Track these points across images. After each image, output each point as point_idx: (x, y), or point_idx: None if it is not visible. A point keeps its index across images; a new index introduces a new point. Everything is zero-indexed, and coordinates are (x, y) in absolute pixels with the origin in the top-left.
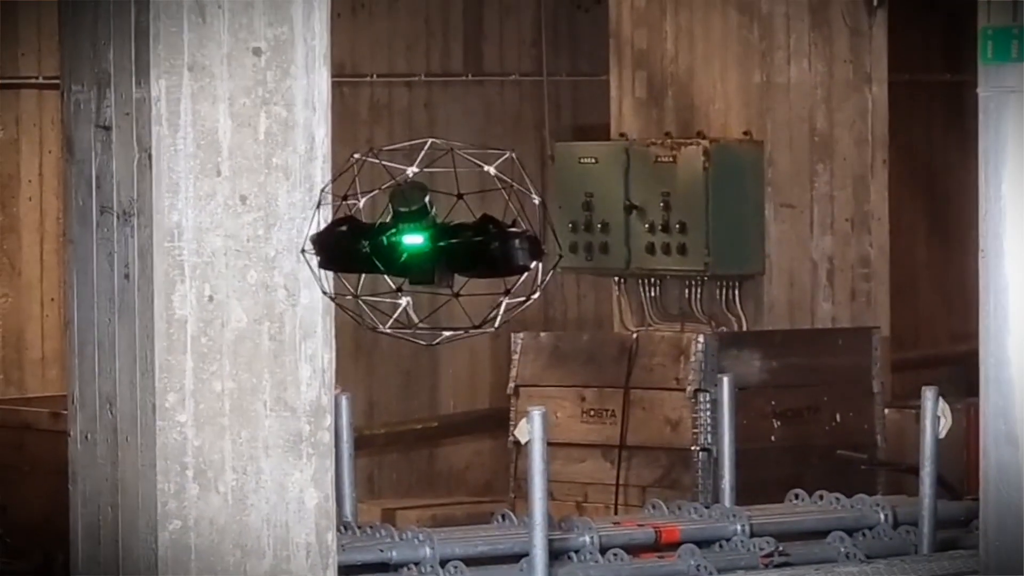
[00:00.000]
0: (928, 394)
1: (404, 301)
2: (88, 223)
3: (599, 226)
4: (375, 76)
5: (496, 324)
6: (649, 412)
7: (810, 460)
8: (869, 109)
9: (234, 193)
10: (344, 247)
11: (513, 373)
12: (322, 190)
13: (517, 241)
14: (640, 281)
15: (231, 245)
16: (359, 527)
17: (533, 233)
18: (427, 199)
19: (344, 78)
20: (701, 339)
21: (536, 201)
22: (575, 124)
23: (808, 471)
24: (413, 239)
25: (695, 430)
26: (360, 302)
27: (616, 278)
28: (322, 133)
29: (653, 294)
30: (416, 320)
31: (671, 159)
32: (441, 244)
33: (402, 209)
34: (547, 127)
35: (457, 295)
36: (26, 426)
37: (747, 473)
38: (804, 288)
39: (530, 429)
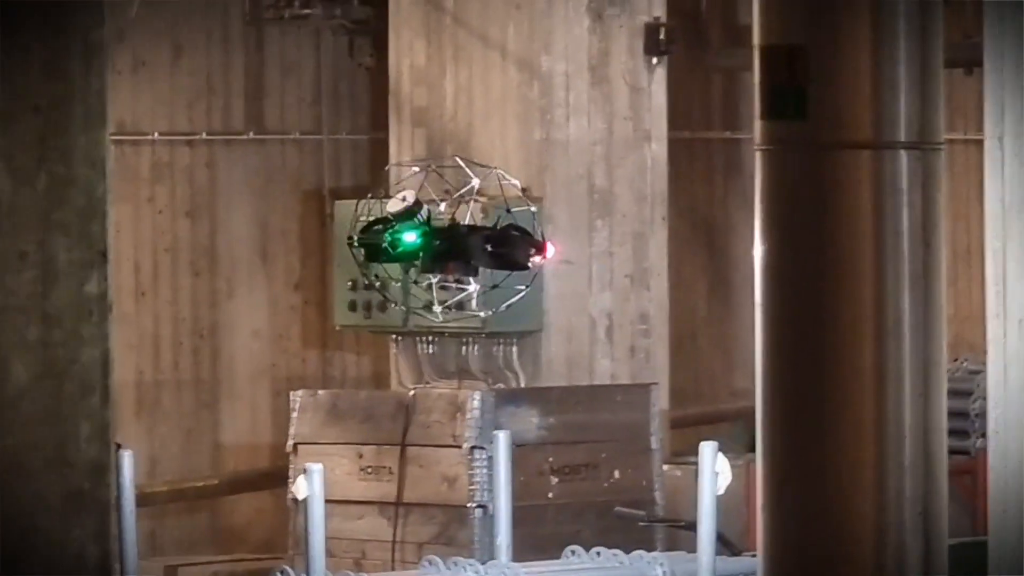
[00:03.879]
0: (706, 450)
1: (472, 287)
2: None
3: (378, 284)
4: (156, 135)
5: (502, 308)
6: (426, 469)
7: (588, 517)
8: (648, 166)
9: (13, 249)
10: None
11: (292, 431)
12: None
13: (525, 241)
14: (417, 339)
15: (11, 302)
16: None
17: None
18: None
19: (125, 136)
20: (477, 396)
21: (532, 210)
22: (356, 183)
23: (586, 528)
24: (409, 236)
25: (472, 487)
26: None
27: (394, 336)
28: (101, 191)
29: (431, 351)
30: (474, 306)
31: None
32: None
33: (391, 212)
34: (327, 185)
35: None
36: None
37: (525, 530)
38: (582, 344)
39: (308, 486)
